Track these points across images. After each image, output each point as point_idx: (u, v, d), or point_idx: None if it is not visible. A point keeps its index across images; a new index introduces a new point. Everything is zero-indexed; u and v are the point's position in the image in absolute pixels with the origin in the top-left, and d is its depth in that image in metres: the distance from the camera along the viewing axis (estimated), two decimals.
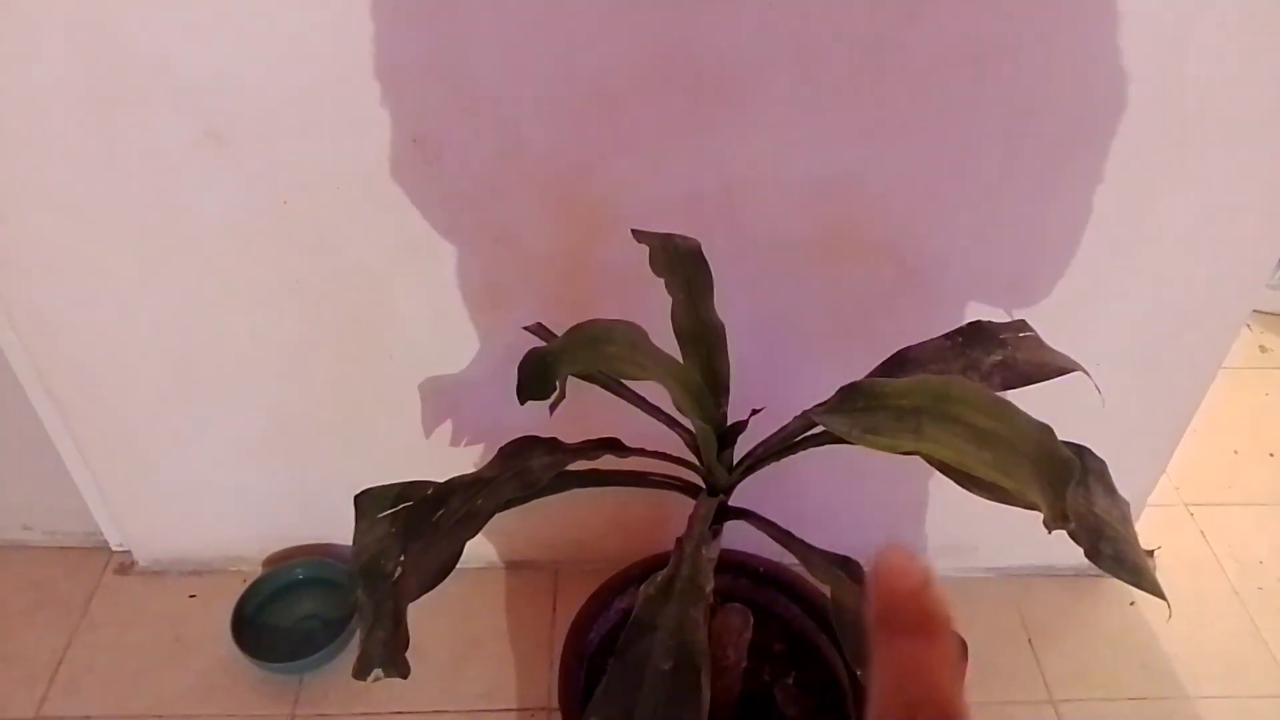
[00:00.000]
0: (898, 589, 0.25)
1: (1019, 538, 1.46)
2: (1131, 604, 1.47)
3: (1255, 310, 2.04)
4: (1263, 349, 2.02)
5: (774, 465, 0.90)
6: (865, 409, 0.73)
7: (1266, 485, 1.69)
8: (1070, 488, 0.64)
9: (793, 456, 0.89)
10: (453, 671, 1.35)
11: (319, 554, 1.45)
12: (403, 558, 0.76)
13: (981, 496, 0.76)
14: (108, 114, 1.00)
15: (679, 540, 0.81)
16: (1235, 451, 1.75)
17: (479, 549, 1.48)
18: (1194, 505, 1.63)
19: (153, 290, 1.15)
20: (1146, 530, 1.53)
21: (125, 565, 1.48)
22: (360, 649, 0.76)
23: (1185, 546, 1.56)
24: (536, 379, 0.75)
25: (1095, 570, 1.53)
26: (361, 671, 0.76)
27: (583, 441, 0.87)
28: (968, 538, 1.47)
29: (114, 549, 1.50)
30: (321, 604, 1.41)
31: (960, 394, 0.69)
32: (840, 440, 0.81)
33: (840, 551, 0.86)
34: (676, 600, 0.73)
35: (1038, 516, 0.83)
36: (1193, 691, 1.35)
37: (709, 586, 0.76)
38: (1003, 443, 0.66)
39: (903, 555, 0.26)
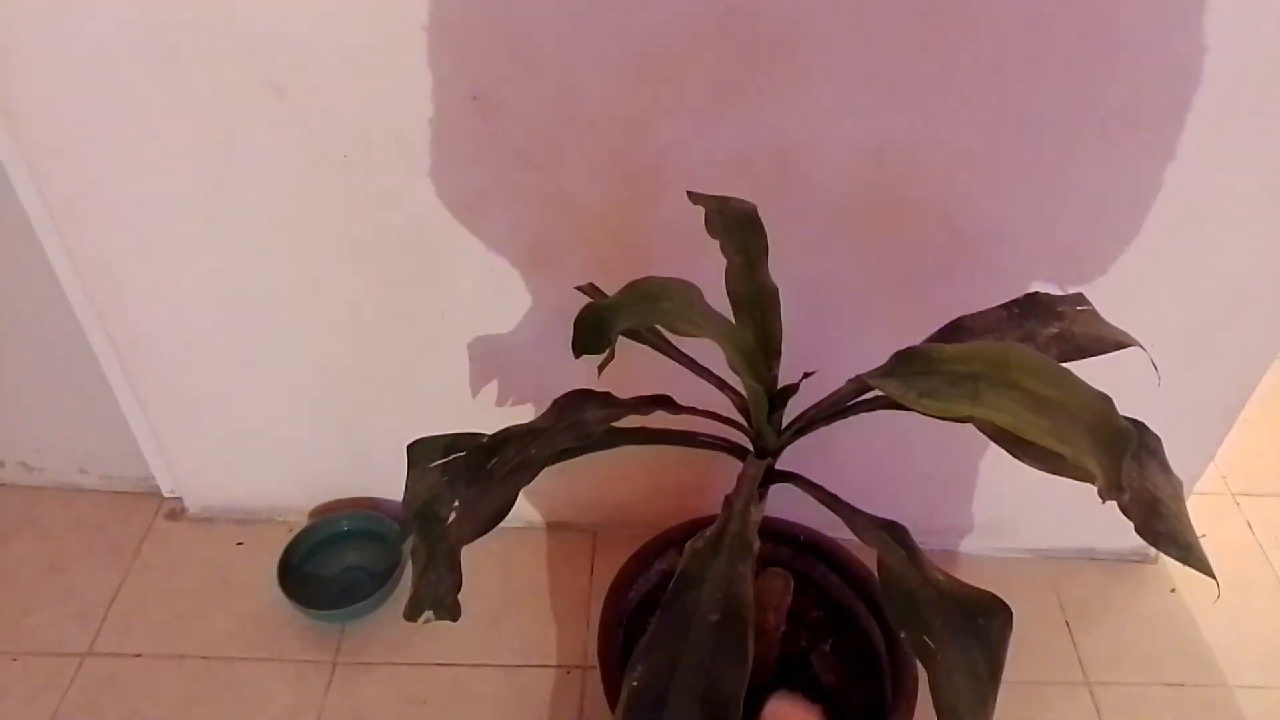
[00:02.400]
0: None
1: (1060, 520, 1.45)
2: (1172, 591, 1.46)
3: None
4: None
5: (818, 435, 0.90)
6: (922, 373, 0.73)
7: None
8: (1126, 459, 0.64)
9: (838, 426, 0.89)
10: (491, 627, 1.37)
11: (364, 507, 1.47)
12: (456, 503, 0.77)
13: (1035, 466, 0.75)
14: (171, 64, 1.02)
15: (728, 498, 0.82)
16: None
17: (520, 509, 1.50)
18: (1241, 495, 1.61)
19: (212, 240, 1.17)
20: (1193, 518, 1.51)
21: (176, 511, 1.52)
22: (412, 591, 0.78)
23: (1231, 535, 1.54)
24: (592, 333, 0.75)
25: (1136, 555, 1.53)
26: (413, 612, 0.77)
27: (636, 397, 0.87)
28: (1009, 518, 1.46)
29: (165, 495, 1.54)
30: (366, 556, 1.44)
31: (1019, 360, 0.69)
32: (893, 405, 0.81)
33: None
34: (725, 555, 0.74)
35: (1080, 499, 0.83)
36: (1232, 680, 1.34)
37: (756, 545, 0.77)
38: (1061, 410, 0.66)
39: (792, 708, 0.26)
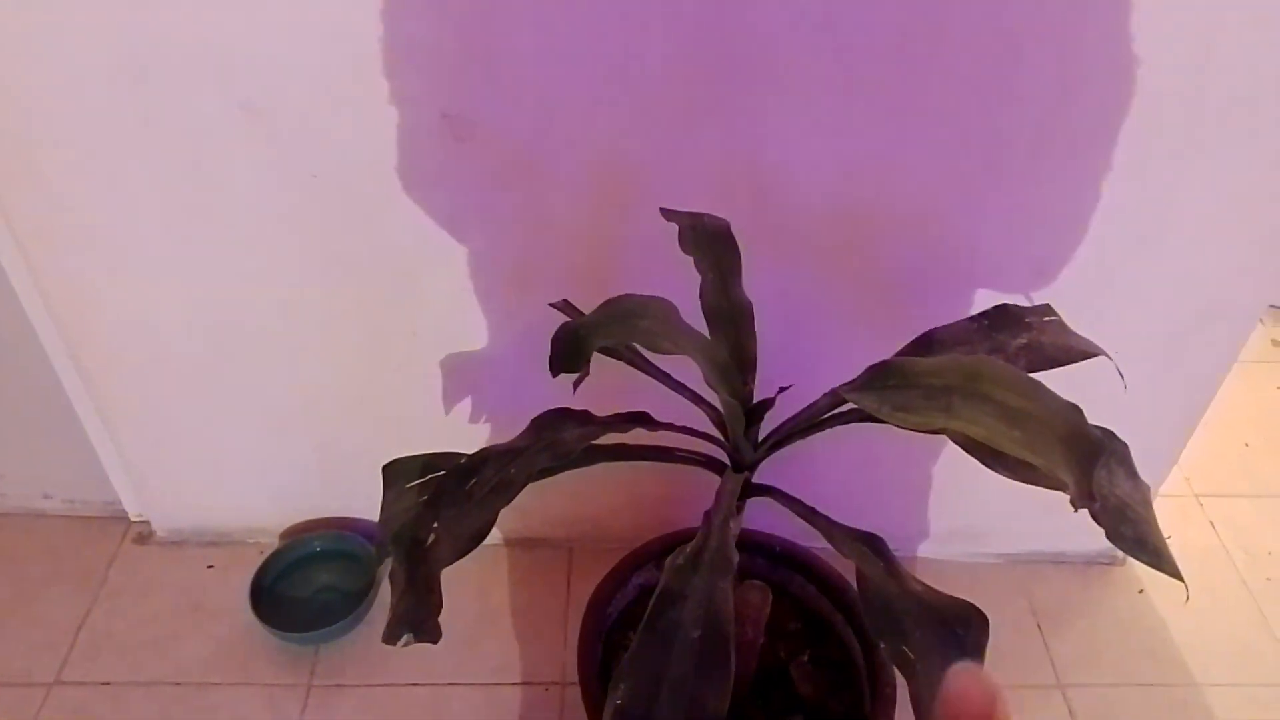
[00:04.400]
0: (966, 714, 0.25)
1: (1030, 525, 1.47)
2: (1140, 592, 1.48)
3: (1270, 305, 2.05)
4: (1275, 343, 2.02)
5: (791, 448, 0.91)
6: (896, 387, 0.73)
7: (1277, 478, 1.70)
8: (1097, 468, 0.65)
9: (810, 440, 0.89)
10: (468, 646, 1.36)
11: (336, 527, 1.46)
12: (435, 525, 0.77)
13: (1007, 476, 0.77)
14: (143, 86, 1.01)
15: (707, 513, 0.82)
16: (1246, 444, 1.76)
17: (494, 525, 1.49)
18: (1204, 496, 1.64)
19: (182, 262, 1.16)
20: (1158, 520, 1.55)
21: (143, 535, 1.50)
22: (391, 614, 0.77)
23: (1195, 537, 1.57)
24: (570, 352, 0.76)
25: (1105, 558, 1.55)
26: (391, 636, 0.76)
27: (614, 415, 0.88)
28: (979, 524, 1.48)
29: (132, 519, 1.51)
30: (339, 576, 1.42)
31: (991, 373, 0.70)
32: (868, 418, 0.82)
33: None
34: (705, 571, 0.75)
35: (1048, 504, 0.84)
36: (1201, 679, 1.37)
37: (735, 559, 0.77)
38: (1033, 421, 0.67)
39: (973, 681, 0.25)
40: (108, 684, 1.30)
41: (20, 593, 1.41)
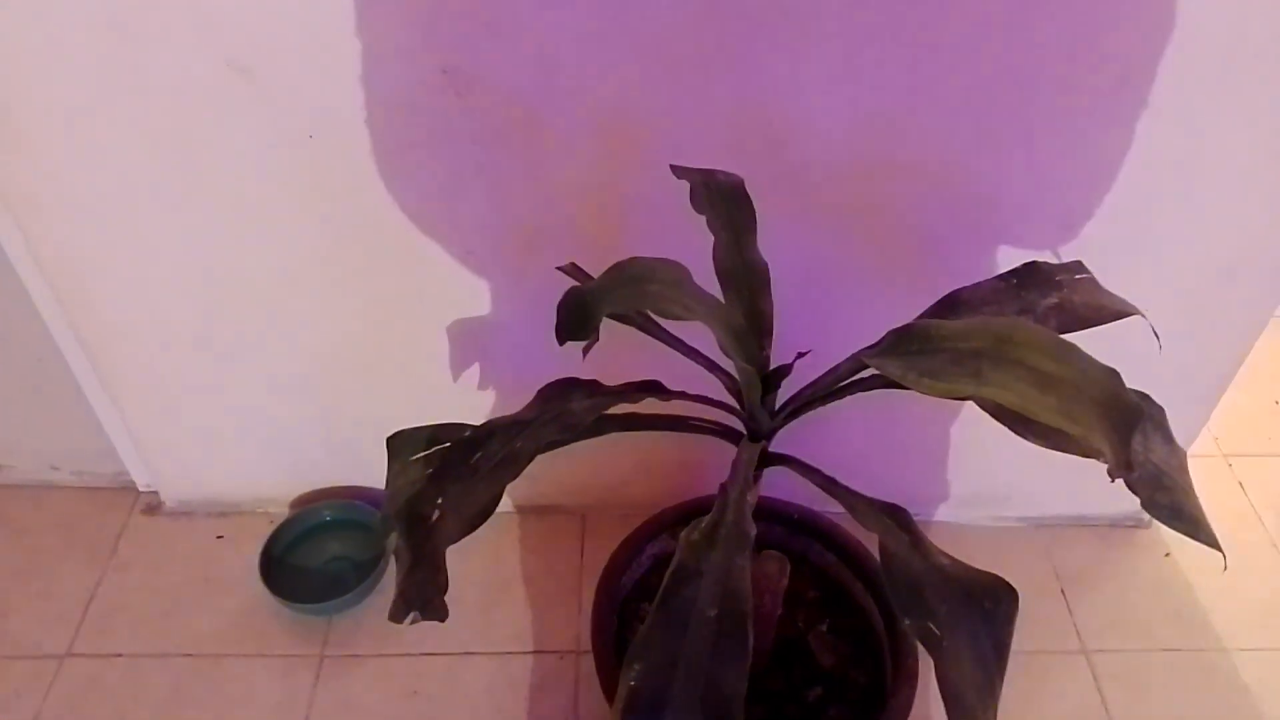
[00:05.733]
0: None
1: (1052, 488, 1.44)
2: (1167, 555, 1.45)
3: None
4: None
5: (809, 413, 0.87)
6: (921, 352, 0.70)
7: None
8: (1135, 435, 0.62)
9: (829, 405, 0.86)
10: (481, 614, 1.34)
11: (346, 496, 1.44)
12: (440, 501, 0.74)
13: (1039, 444, 0.73)
14: (131, 45, 0.97)
15: (723, 486, 0.79)
16: (1277, 403, 1.71)
17: (506, 493, 1.47)
18: (1233, 456, 1.60)
19: (179, 228, 1.13)
20: None
21: (153, 506, 1.48)
22: (397, 592, 0.75)
23: (1224, 498, 1.54)
24: (577, 319, 0.72)
25: (1129, 520, 1.52)
26: (398, 614, 0.74)
27: (624, 384, 0.84)
28: (1000, 487, 1.45)
29: (141, 490, 1.50)
30: (350, 546, 1.40)
31: (1023, 337, 0.66)
32: (890, 385, 0.78)
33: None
34: (721, 547, 0.72)
35: (1072, 466, 0.81)
36: (1229, 643, 1.34)
37: (753, 533, 0.74)
38: (1068, 387, 0.63)
39: None
40: (120, 655, 1.29)
41: (31, 565, 1.40)
